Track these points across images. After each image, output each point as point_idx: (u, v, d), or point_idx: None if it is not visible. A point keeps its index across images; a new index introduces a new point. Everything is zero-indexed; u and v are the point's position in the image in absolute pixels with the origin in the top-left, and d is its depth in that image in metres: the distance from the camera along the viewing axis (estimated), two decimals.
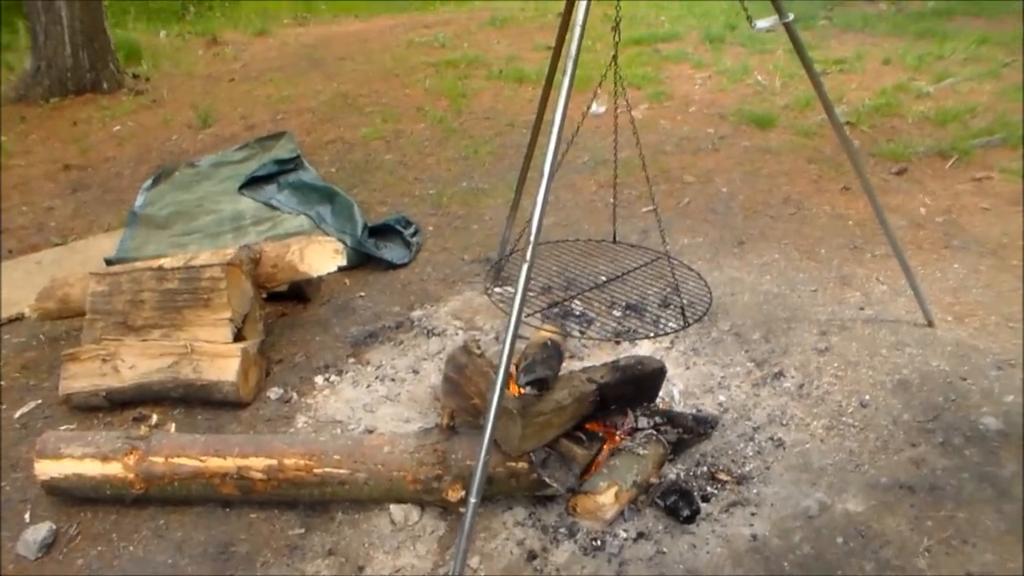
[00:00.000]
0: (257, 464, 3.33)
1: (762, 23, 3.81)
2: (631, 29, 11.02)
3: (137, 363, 4.13)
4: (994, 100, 8.11)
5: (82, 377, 4.13)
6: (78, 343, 4.36)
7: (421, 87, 9.29)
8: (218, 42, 12.17)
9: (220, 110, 8.83)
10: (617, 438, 3.54)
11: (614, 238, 4.58)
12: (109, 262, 5.36)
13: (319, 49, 11.53)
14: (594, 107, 4.86)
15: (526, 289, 2.84)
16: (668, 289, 4.01)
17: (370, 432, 3.83)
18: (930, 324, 4.55)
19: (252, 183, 6.61)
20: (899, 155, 6.86)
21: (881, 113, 7.87)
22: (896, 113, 7.89)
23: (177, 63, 11.06)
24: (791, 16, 3.88)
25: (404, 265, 5.45)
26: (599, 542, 3.20)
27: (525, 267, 2.80)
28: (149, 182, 6.82)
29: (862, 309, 4.78)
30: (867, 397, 3.99)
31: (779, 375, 4.18)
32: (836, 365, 4.24)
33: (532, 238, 2.84)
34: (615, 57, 3.76)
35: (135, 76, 10.25)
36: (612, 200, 4.60)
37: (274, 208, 6.19)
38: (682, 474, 3.54)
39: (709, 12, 12.28)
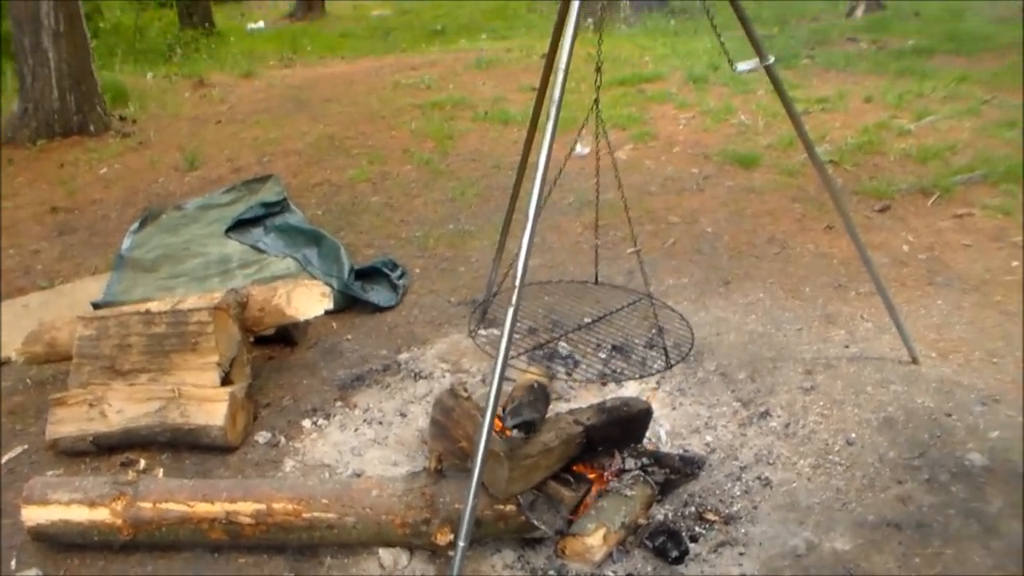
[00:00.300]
0: (245, 509, 3.32)
1: (743, 66, 3.86)
2: (615, 70, 11.10)
3: (124, 407, 4.12)
4: (974, 137, 8.19)
5: (69, 422, 4.12)
6: (65, 387, 4.34)
7: (407, 129, 9.33)
8: (205, 84, 12.21)
9: (207, 152, 8.85)
10: (604, 480, 3.55)
11: (596, 280, 4.61)
12: (96, 306, 5.35)
13: (305, 91, 11.58)
14: (578, 148, 4.90)
15: (512, 332, 2.86)
16: (653, 330, 4.04)
17: (358, 476, 3.83)
18: (914, 361, 4.58)
19: (239, 226, 6.62)
20: (882, 193, 6.92)
21: (863, 151, 7.94)
22: (878, 151, 7.96)
23: (164, 105, 11.09)
24: (771, 59, 3.93)
25: (391, 308, 5.46)
26: None
27: (511, 311, 2.82)
28: (136, 225, 6.83)
29: (847, 347, 4.81)
30: (853, 435, 4.01)
31: (765, 414, 4.19)
32: (822, 404, 4.26)
33: (517, 282, 2.86)
34: (596, 101, 3.81)
35: (122, 118, 10.26)
36: (596, 241, 4.63)
37: (261, 251, 6.20)
38: (670, 515, 3.54)
39: (692, 53, 12.37)
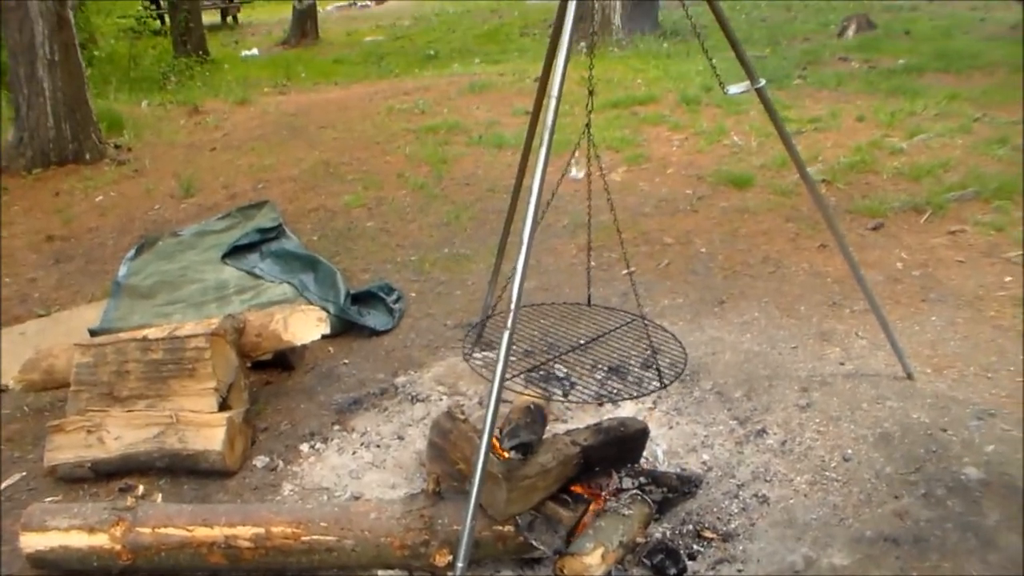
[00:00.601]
0: (244, 533, 3.33)
1: (735, 88, 3.90)
2: (608, 92, 11.17)
3: (123, 434, 4.13)
4: (966, 154, 8.24)
5: (67, 448, 4.13)
6: (63, 414, 4.36)
7: (402, 154, 9.38)
8: (199, 111, 12.26)
9: (202, 179, 8.88)
10: (602, 499, 3.55)
11: (588, 301, 4.63)
12: (93, 332, 5.37)
13: (300, 117, 11.62)
14: (572, 171, 4.94)
15: (508, 355, 2.88)
16: (648, 350, 4.05)
17: (356, 499, 3.84)
18: (910, 377, 4.60)
19: (235, 252, 6.65)
20: (875, 211, 6.96)
21: (856, 170, 7.98)
22: (871, 169, 8.00)
23: (159, 133, 11.13)
24: (762, 81, 3.97)
25: (387, 332, 5.47)
26: None
27: (507, 334, 2.84)
28: (132, 252, 6.85)
29: (842, 364, 4.82)
30: (849, 451, 4.02)
31: (762, 432, 4.21)
32: (818, 420, 4.28)
33: (513, 305, 2.88)
34: (588, 125, 3.84)
35: (117, 146, 10.31)
36: (588, 264, 4.65)
37: (257, 277, 6.22)
38: (668, 533, 3.55)
39: (685, 75, 12.42)
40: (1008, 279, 5.77)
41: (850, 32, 15.95)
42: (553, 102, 3.06)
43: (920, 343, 5.01)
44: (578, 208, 6.86)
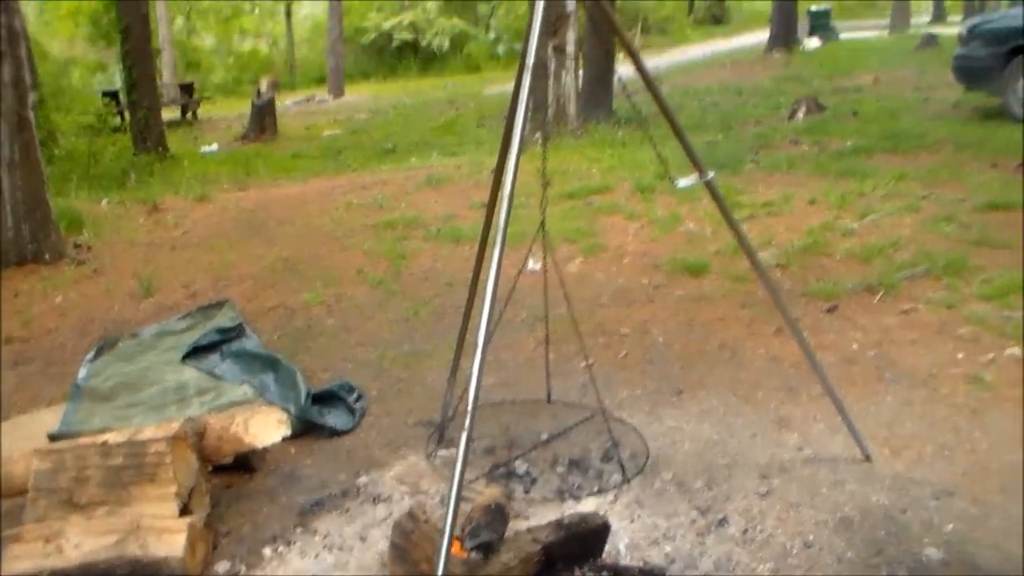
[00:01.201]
0: None
1: (683, 182, 4.01)
2: (564, 183, 11.31)
3: (82, 542, 4.09)
4: (915, 233, 8.44)
5: (25, 558, 4.08)
6: (21, 522, 4.31)
7: (361, 249, 9.43)
8: (159, 209, 12.26)
9: (162, 278, 8.89)
10: None
11: (548, 397, 4.68)
12: (53, 437, 5.32)
13: (259, 213, 11.67)
14: (530, 264, 5.00)
15: (466, 457, 2.91)
16: (608, 443, 4.10)
17: None
18: (867, 459, 4.67)
19: (195, 353, 6.63)
20: (829, 293, 7.09)
21: (810, 253, 8.14)
22: (824, 252, 8.16)
23: (119, 231, 11.13)
24: (710, 174, 4.08)
25: (349, 431, 5.47)
26: None
27: (464, 436, 2.88)
28: (92, 354, 6.82)
29: (801, 450, 4.88)
30: (811, 537, 4.06)
31: (723, 521, 4.24)
32: (778, 508, 4.32)
33: (470, 407, 2.92)
34: (543, 224, 3.93)
35: (77, 245, 10.27)
36: (547, 359, 4.71)
37: (218, 378, 6.22)
38: None
39: (640, 163, 12.59)
40: (960, 356, 5.89)
41: (800, 115, 16.31)
42: (505, 203, 3.13)
43: (877, 424, 5.09)
44: (536, 302, 6.90)
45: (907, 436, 4.97)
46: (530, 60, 3.46)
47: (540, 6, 3.52)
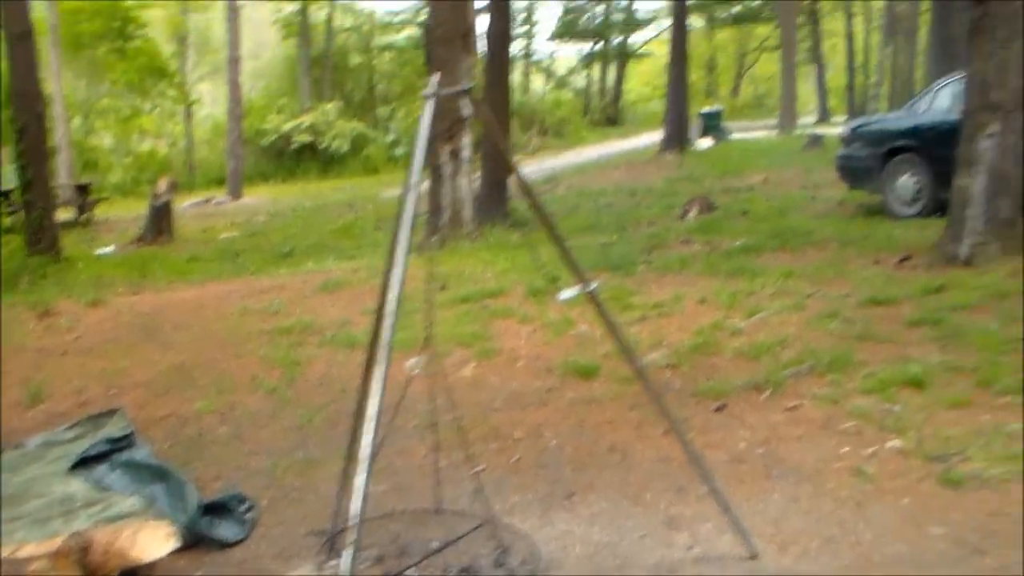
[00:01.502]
0: None
1: (566, 294, 4.17)
2: (459, 287, 11.44)
3: None
4: (801, 330, 8.73)
5: None
6: None
7: (255, 356, 9.38)
8: (51, 313, 12.03)
9: (52, 385, 8.73)
10: None
11: (438, 507, 4.75)
12: None
13: (154, 318, 11.52)
14: (412, 363, 5.10)
15: (354, 571, 2.97)
16: (499, 550, 4.17)
17: None
18: (753, 557, 4.81)
19: (83, 463, 6.54)
20: (718, 392, 7.29)
21: (699, 352, 8.35)
22: (713, 351, 8.39)
23: (8, 337, 10.88)
24: (593, 285, 4.25)
25: (240, 542, 5.45)
26: None
27: (349, 552, 2.93)
28: None
29: (690, 549, 5.02)
30: None
31: None
32: None
33: (356, 521, 2.98)
34: (427, 338, 4.04)
35: None
36: (436, 467, 4.79)
37: (106, 489, 6.14)
38: None
39: (533, 267, 12.72)
40: (844, 450, 6.10)
41: (692, 215, 16.77)
42: (389, 319, 3.24)
43: (764, 521, 5.25)
44: (428, 407, 7.01)
45: (793, 531, 5.14)
46: (419, 164, 3.59)
47: (428, 111, 3.66)
